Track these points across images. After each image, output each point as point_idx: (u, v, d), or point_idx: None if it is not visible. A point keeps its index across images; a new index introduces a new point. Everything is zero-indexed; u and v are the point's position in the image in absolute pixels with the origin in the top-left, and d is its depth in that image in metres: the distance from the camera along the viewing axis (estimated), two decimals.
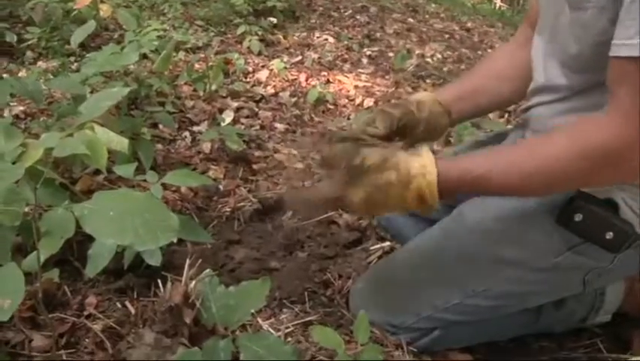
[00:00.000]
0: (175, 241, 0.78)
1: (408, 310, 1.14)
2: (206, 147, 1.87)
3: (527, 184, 0.95)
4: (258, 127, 2.12)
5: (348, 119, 2.31)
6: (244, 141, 1.95)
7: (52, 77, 2.12)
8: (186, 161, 1.82)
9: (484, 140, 1.40)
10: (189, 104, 2.14)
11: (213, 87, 2.22)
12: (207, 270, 1.07)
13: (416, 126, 1.17)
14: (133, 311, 1.10)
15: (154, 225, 0.73)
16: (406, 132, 1.15)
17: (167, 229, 0.74)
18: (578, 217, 1.04)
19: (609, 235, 1.03)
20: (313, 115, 2.34)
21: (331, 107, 2.44)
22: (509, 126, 1.79)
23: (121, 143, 1.34)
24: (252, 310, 0.97)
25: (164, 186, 1.60)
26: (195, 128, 1.99)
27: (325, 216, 1.57)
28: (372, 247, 1.46)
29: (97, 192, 0.82)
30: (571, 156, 0.90)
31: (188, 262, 1.03)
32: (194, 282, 1.00)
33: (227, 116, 2.09)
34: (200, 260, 1.08)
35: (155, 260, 1.16)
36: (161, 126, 1.94)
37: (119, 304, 1.16)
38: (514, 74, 1.22)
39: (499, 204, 1.16)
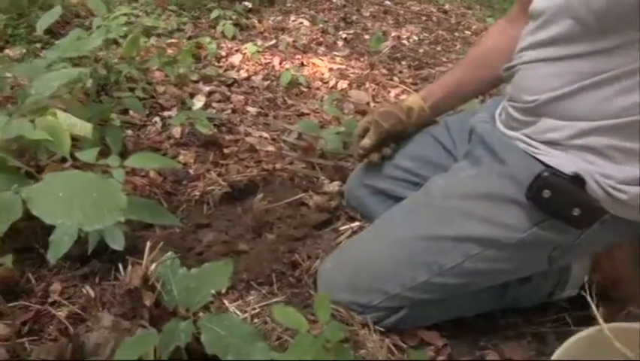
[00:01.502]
0: (122, 220, 0.76)
1: (374, 290, 1.14)
2: (176, 131, 1.85)
3: None
4: (229, 111, 2.10)
5: (321, 101, 2.30)
6: (215, 125, 1.93)
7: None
8: (156, 146, 1.80)
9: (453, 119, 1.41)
10: (161, 89, 2.11)
11: (181, 70, 2.19)
12: (169, 253, 1.06)
13: (406, 129, 1.40)
14: (93, 295, 1.09)
15: (102, 204, 0.72)
16: (398, 135, 1.40)
17: (115, 208, 0.73)
18: (547, 194, 1.04)
19: (576, 212, 1.03)
20: (286, 98, 2.32)
21: (305, 89, 2.42)
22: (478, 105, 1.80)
23: (84, 128, 1.33)
24: (213, 291, 0.96)
25: (134, 172, 1.59)
26: (166, 114, 1.96)
27: (295, 198, 1.57)
28: (341, 228, 1.45)
29: (47, 174, 0.81)
30: None
31: (149, 245, 1.02)
32: (154, 265, 0.99)
33: (199, 101, 2.07)
34: (162, 243, 1.06)
35: (118, 244, 1.15)
36: (131, 112, 1.92)
37: (84, 290, 1.15)
38: (499, 57, 1.23)
39: (465, 181, 1.16)
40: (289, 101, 2.30)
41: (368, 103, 2.35)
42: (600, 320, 0.91)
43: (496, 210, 1.09)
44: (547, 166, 1.05)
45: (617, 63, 0.98)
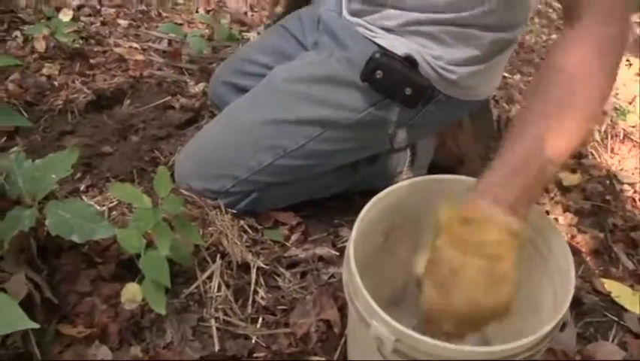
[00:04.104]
0: None
1: (225, 175, 1.18)
2: (40, 45, 1.79)
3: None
4: (99, 24, 2.05)
5: (197, 12, 2.27)
6: (82, 37, 1.89)
7: None
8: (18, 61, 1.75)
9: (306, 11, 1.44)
10: (22, 3, 2.03)
11: None
12: (15, 147, 1.06)
13: None
14: None
15: None
16: None
17: None
18: (379, 74, 1.10)
19: (408, 91, 1.11)
20: (161, 11, 2.28)
21: (180, 2, 2.38)
22: None
23: None
24: (54, 176, 0.97)
25: None
26: (27, 28, 1.90)
27: (162, 101, 1.58)
28: (205, 126, 1.48)
29: None
30: None
31: None
32: None
33: (66, 15, 1.99)
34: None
35: None
36: None
37: None
38: None
39: (306, 66, 1.20)
40: (164, 14, 2.26)
41: (245, 13, 2.35)
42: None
43: (335, 92, 1.14)
44: (382, 48, 1.11)
45: None
